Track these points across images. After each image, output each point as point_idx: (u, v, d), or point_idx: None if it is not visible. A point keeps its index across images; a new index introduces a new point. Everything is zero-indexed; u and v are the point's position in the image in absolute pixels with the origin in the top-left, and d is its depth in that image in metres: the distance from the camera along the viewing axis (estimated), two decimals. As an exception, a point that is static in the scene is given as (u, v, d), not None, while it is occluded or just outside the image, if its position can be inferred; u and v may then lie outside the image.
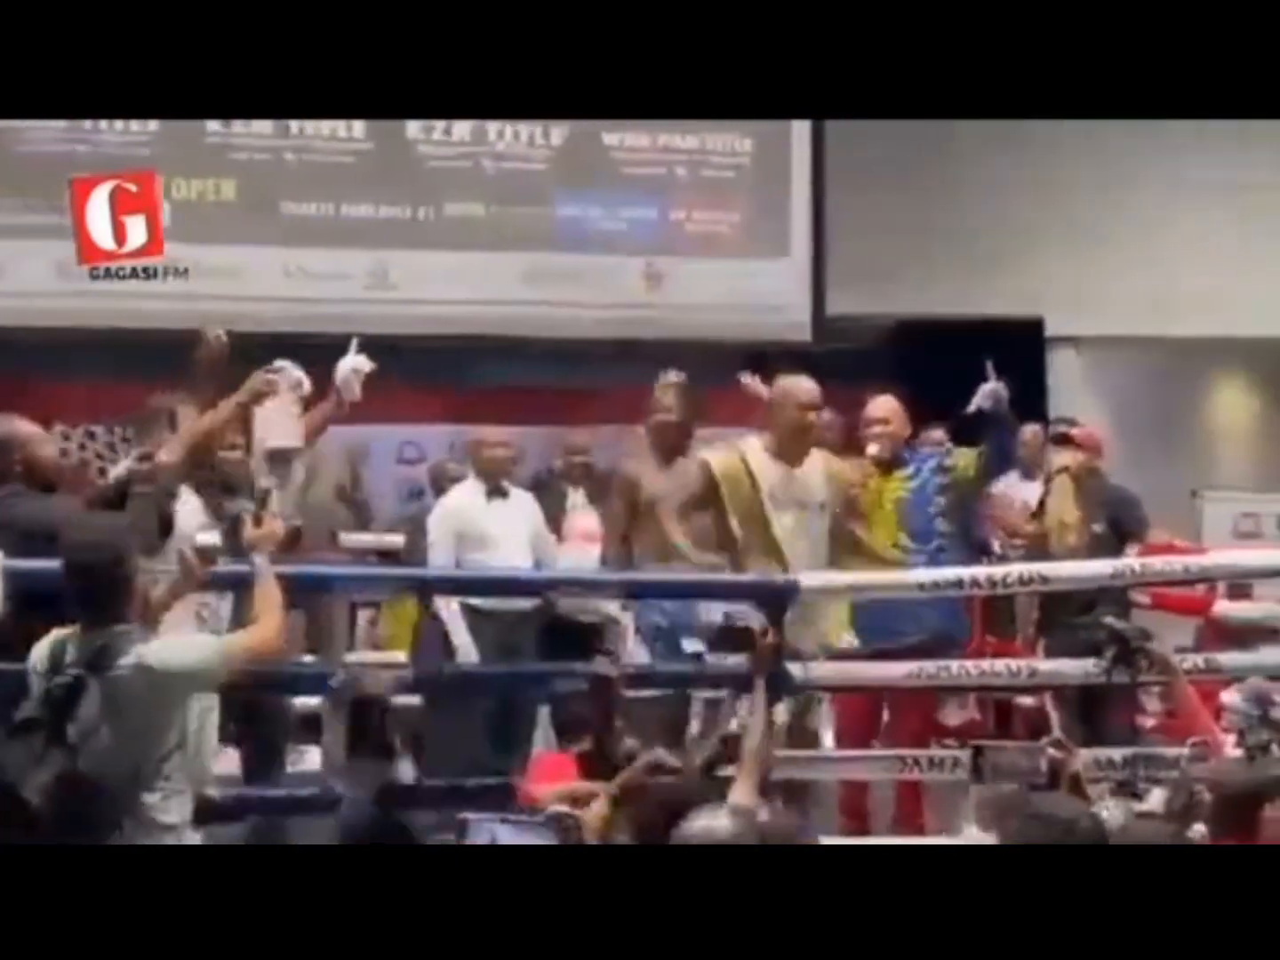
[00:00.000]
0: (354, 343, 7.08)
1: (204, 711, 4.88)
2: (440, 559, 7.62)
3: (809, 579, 6.56)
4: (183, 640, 4.79)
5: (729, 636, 5.67)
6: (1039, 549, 7.59)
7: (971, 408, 7.16)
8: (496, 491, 7.85)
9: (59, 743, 4.32)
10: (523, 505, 7.89)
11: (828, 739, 7.18)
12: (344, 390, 7.00)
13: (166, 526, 5.49)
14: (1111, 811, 4.44)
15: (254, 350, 6.96)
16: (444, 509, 7.92)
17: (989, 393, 7.14)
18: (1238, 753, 5.08)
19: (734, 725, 5.41)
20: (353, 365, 7.02)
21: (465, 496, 7.89)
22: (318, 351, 7.07)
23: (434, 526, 7.83)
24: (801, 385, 7.05)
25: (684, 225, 11.02)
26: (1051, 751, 4.67)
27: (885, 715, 7.15)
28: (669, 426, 7.55)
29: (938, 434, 8.46)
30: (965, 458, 7.18)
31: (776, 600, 6.30)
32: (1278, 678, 5.97)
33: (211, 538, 5.21)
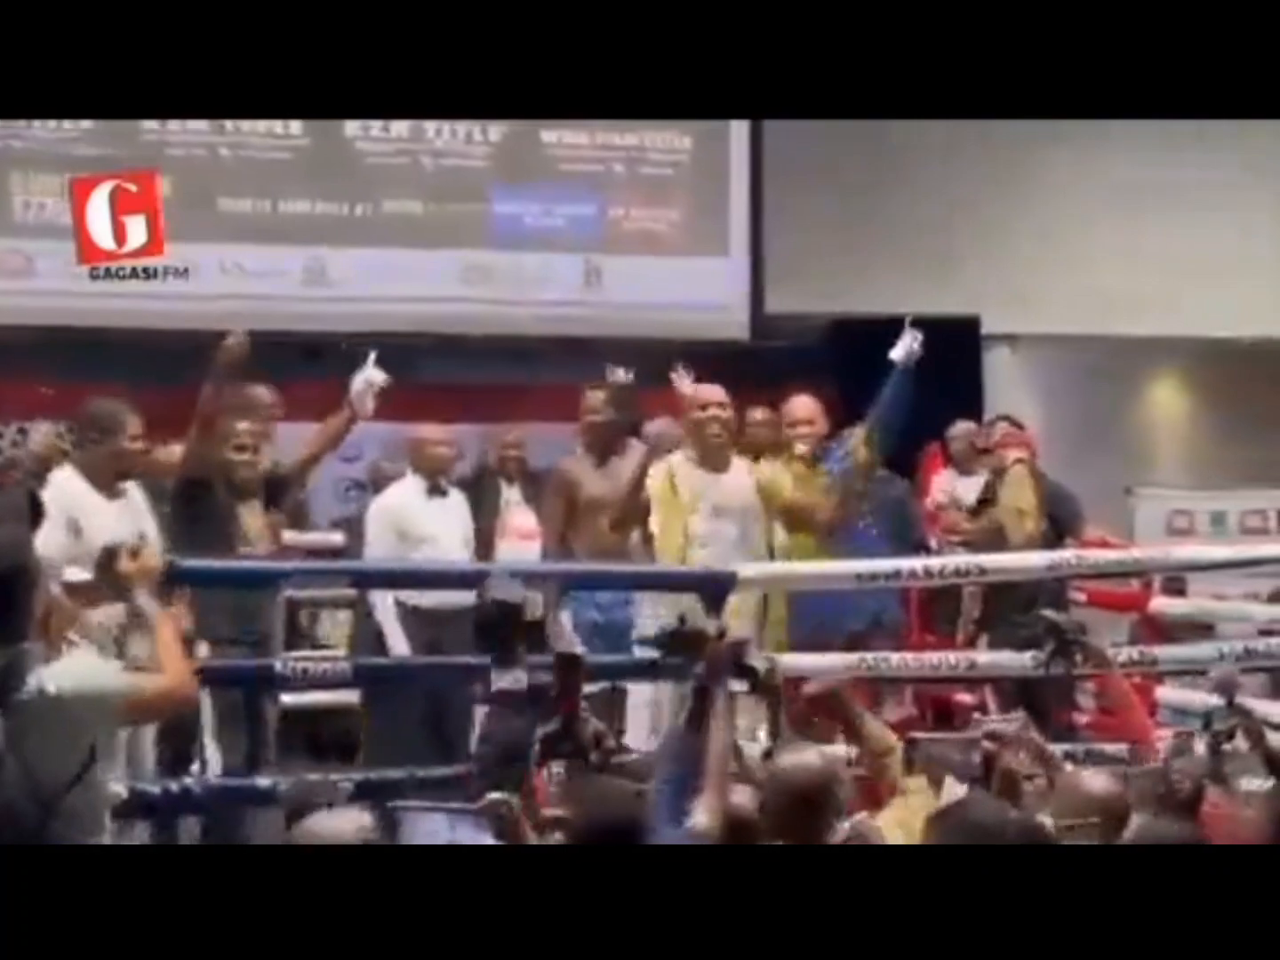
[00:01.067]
0: (371, 356, 7.00)
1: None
2: (378, 556, 7.60)
3: (746, 569, 6.62)
4: (86, 665, 4.41)
5: (681, 640, 5.39)
6: (979, 546, 7.64)
7: (890, 356, 7.17)
8: (435, 490, 7.83)
9: None
10: (460, 504, 7.90)
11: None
12: (357, 404, 6.95)
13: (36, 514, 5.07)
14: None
15: (193, 348, 7.01)
16: (381, 507, 7.87)
17: (904, 344, 7.15)
18: (1199, 746, 5.12)
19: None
20: (367, 378, 6.96)
21: (404, 494, 7.85)
22: (255, 349, 6.99)
23: (372, 523, 7.79)
24: (703, 390, 7.20)
25: (622, 223, 11.04)
26: (985, 744, 4.67)
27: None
28: (602, 427, 7.59)
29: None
30: (855, 437, 7.24)
31: (716, 592, 6.34)
32: (1205, 672, 6.06)
33: (81, 574, 4.80)
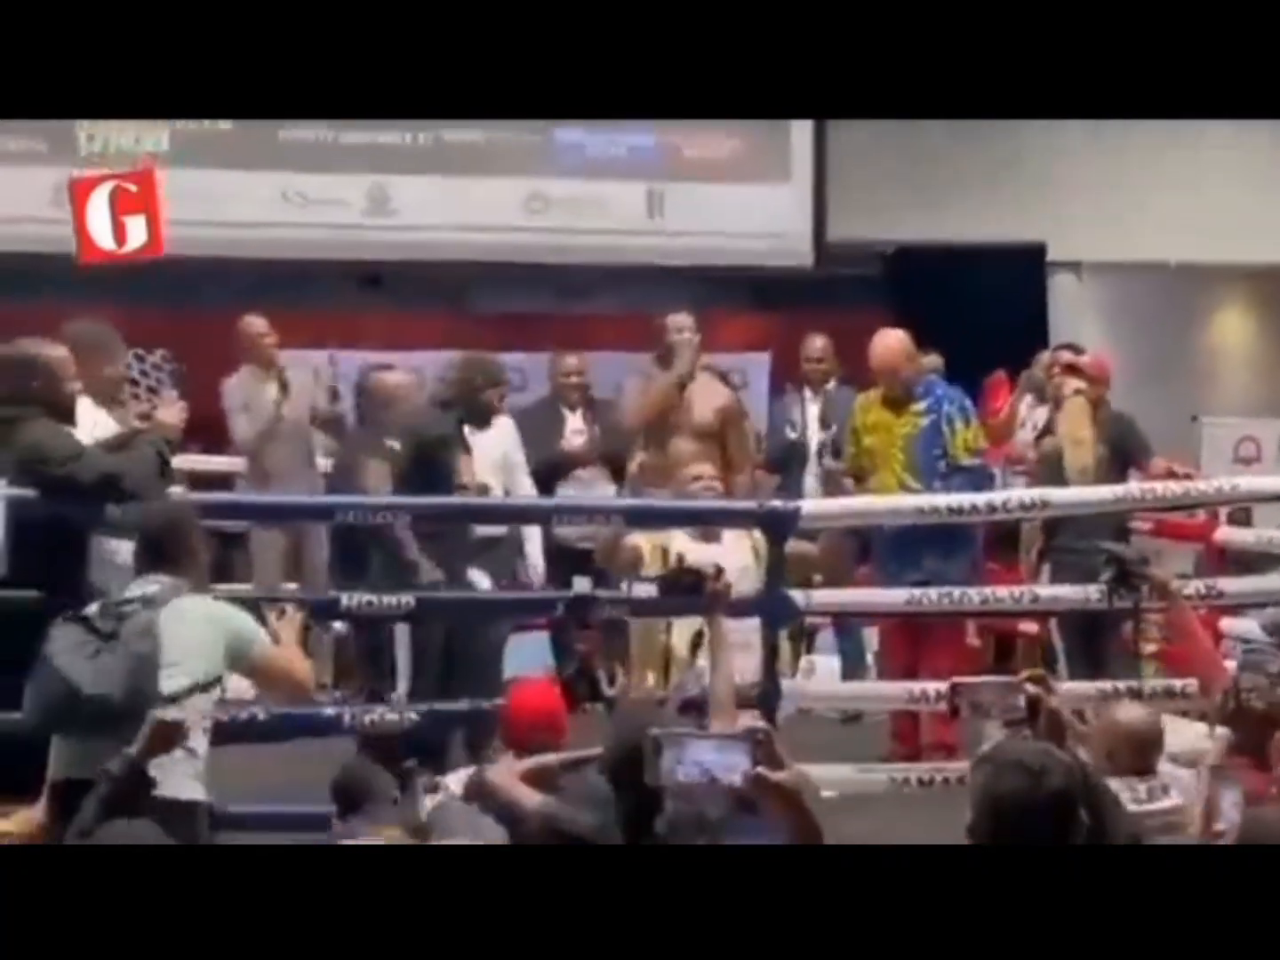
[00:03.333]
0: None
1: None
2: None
3: (810, 505, 6.58)
4: (237, 612, 4.98)
5: (679, 580, 5.68)
6: (1038, 476, 7.58)
7: None
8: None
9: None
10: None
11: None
12: None
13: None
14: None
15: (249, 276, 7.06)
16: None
17: None
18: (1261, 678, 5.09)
19: None
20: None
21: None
22: (319, 279, 7.00)
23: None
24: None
25: (684, 150, 10.94)
26: (1029, 687, 4.65)
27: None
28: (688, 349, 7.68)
29: (933, 359, 8.44)
30: (974, 432, 7.24)
31: (779, 527, 6.31)
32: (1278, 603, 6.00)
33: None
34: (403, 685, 6.87)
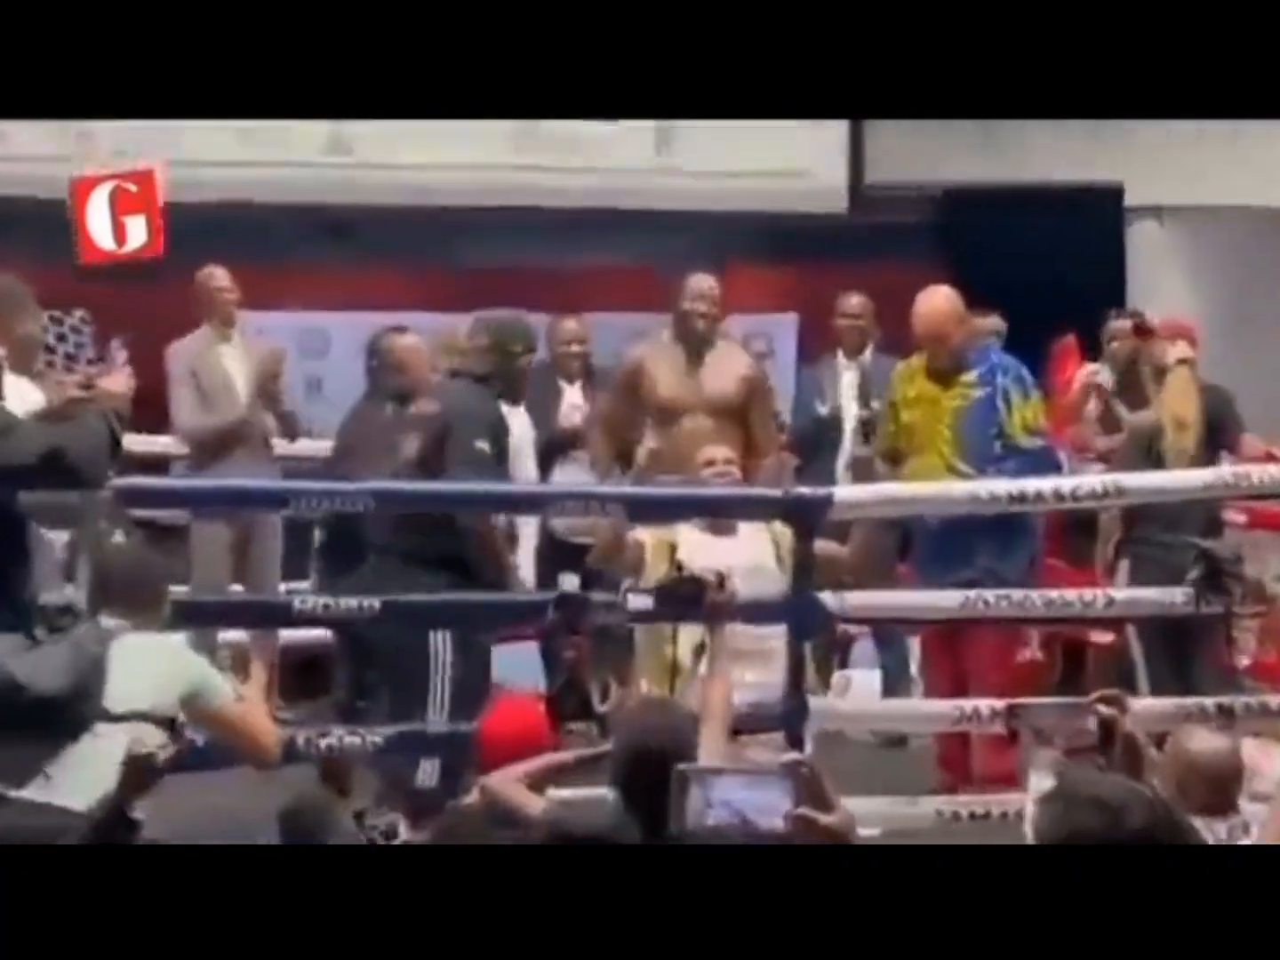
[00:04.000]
0: None
1: None
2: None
3: (844, 493, 6.52)
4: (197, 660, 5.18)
5: (677, 588, 5.74)
6: (1120, 460, 7.50)
7: None
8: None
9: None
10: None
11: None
12: None
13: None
14: None
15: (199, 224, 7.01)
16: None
17: None
18: None
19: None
20: None
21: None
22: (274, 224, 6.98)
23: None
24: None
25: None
26: (1101, 709, 4.59)
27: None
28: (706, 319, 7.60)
29: (993, 321, 8.37)
30: (1034, 408, 7.13)
31: (807, 517, 6.28)
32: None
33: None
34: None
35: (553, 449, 8.25)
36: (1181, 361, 7.52)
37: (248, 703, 5.18)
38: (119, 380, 5.76)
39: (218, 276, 8.46)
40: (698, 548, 6.29)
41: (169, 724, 4.85)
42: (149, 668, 4.88)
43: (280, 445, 8.49)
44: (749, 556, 6.26)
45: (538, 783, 4.91)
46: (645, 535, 6.43)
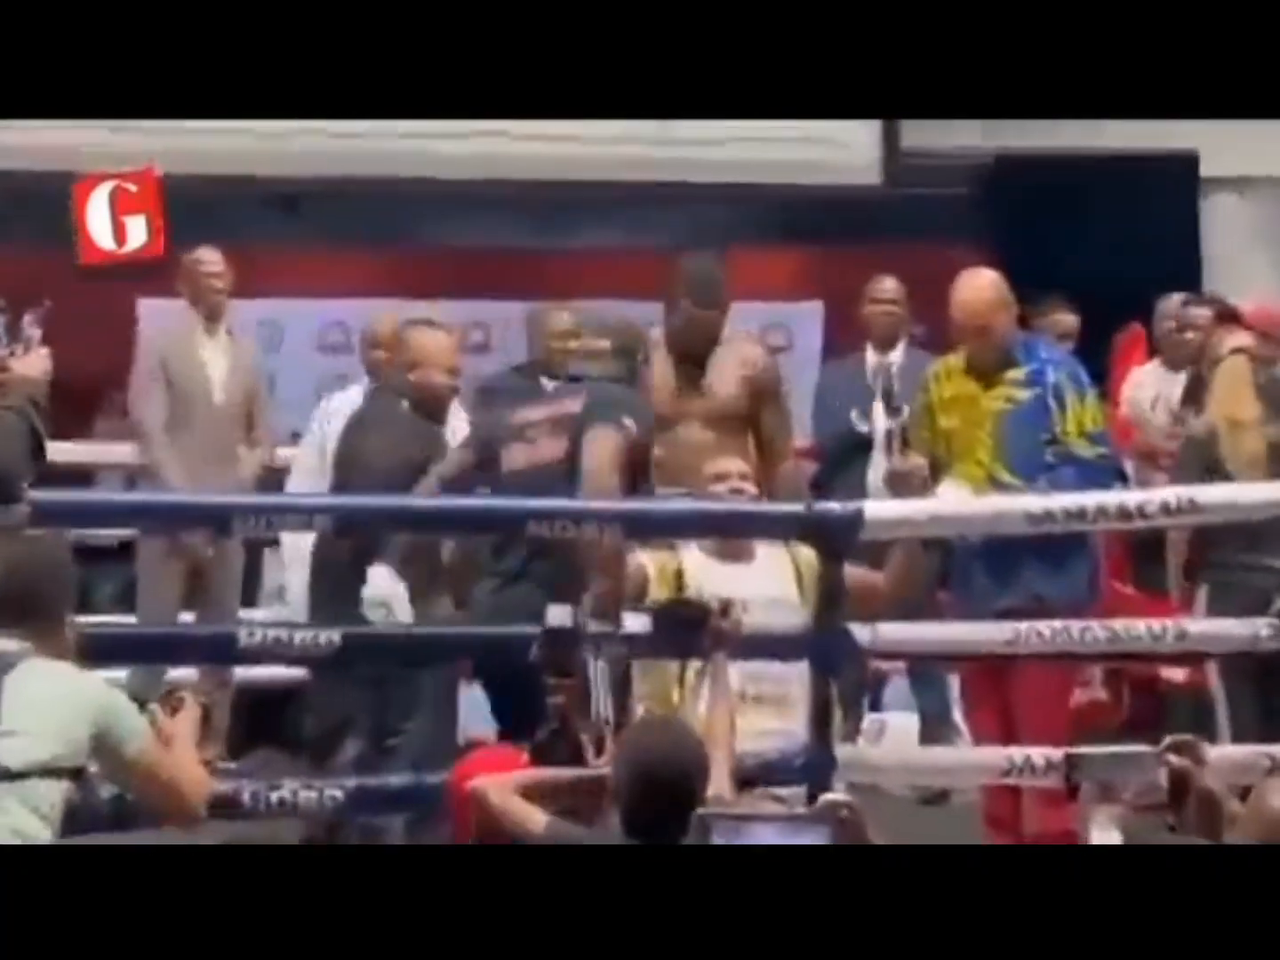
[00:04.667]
0: None
1: None
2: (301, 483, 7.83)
3: (876, 509, 6.53)
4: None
5: (677, 615, 5.85)
6: (1183, 469, 7.49)
7: None
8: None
9: None
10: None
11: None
12: None
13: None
14: None
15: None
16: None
17: None
18: None
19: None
20: None
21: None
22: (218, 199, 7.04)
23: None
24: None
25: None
26: (1172, 759, 4.57)
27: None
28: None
29: (1067, 319, 8.39)
30: (1092, 410, 7.07)
31: (835, 537, 6.32)
32: None
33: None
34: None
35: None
36: (1236, 350, 7.50)
37: (173, 749, 4.87)
38: (33, 362, 5.74)
39: (206, 261, 8.46)
40: (708, 574, 6.30)
41: (74, 776, 4.69)
42: (52, 711, 4.64)
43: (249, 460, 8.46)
44: (768, 585, 6.29)
45: (531, 797, 5.01)
46: (647, 559, 6.44)
